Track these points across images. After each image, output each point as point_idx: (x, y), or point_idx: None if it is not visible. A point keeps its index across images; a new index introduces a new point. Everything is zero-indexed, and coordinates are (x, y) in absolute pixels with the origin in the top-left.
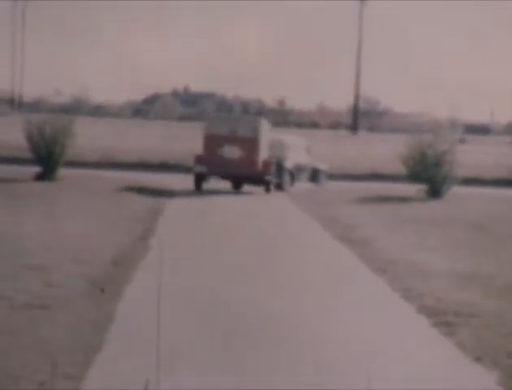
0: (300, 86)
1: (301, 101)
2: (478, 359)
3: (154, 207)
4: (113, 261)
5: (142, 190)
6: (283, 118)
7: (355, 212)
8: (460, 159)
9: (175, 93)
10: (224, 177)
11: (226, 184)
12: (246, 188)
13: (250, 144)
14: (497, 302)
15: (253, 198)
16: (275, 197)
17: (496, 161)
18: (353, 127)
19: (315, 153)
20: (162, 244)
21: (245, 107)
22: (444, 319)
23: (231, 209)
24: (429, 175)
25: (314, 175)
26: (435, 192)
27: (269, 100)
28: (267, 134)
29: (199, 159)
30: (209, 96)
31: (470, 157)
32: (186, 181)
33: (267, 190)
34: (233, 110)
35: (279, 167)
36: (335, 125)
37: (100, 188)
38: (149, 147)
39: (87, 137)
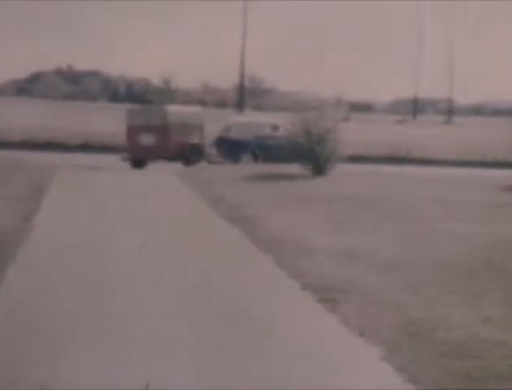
0: (185, 65)
1: (186, 80)
2: (361, 334)
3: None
4: None
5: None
6: (169, 96)
7: (242, 190)
8: (344, 137)
9: (58, 72)
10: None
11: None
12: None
13: (161, 131)
14: (380, 278)
15: (145, 177)
16: (169, 174)
17: (380, 139)
18: (239, 106)
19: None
20: None
21: (130, 86)
22: (328, 296)
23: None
24: (313, 152)
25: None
26: (319, 169)
27: (155, 79)
28: (184, 119)
29: (126, 147)
30: (93, 74)
31: (355, 135)
32: (71, 159)
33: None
34: (118, 90)
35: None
36: (221, 104)
37: None
38: (31, 126)
39: None
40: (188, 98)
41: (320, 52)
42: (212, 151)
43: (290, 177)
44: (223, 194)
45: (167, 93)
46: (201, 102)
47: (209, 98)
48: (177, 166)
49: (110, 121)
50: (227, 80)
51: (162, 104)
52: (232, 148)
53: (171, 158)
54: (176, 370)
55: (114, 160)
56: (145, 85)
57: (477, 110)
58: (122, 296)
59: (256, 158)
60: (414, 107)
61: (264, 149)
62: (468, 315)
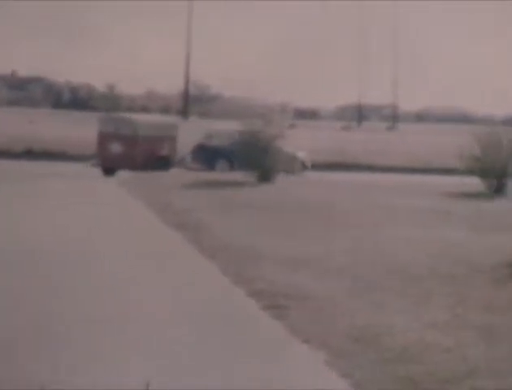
0: (130, 71)
1: (131, 86)
2: (306, 341)
3: None
4: None
5: None
6: (113, 103)
7: (189, 197)
8: (291, 144)
9: (1, 78)
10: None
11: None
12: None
13: (129, 141)
14: (327, 285)
15: (92, 184)
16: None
17: (326, 145)
18: (184, 113)
19: None
20: None
21: (75, 92)
22: (273, 302)
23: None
24: (259, 160)
25: None
26: (265, 177)
27: (99, 85)
28: (154, 130)
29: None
30: (37, 80)
31: (301, 142)
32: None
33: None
34: (62, 95)
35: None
36: (165, 110)
37: None
38: None
39: None
40: (132, 105)
41: (268, 58)
42: (188, 158)
43: (238, 184)
44: (171, 201)
45: (112, 100)
46: (145, 109)
47: (153, 105)
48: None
49: (54, 128)
50: (172, 87)
51: (109, 110)
52: (207, 155)
53: (138, 168)
54: None
55: (64, 167)
56: (89, 91)
57: (420, 117)
58: None
59: (232, 165)
60: (359, 114)
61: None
62: (413, 320)
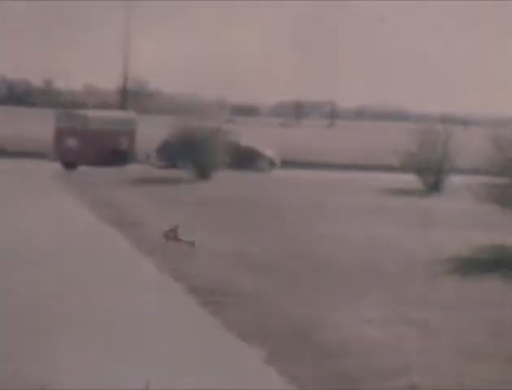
0: (68, 66)
1: (69, 81)
2: (243, 337)
3: None
4: None
5: None
6: (51, 98)
7: (126, 194)
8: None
9: None
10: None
11: None
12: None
13: (82, 136)
14: (263, 280)
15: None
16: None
17: (265, 142)
18: (122, 108)
19: None
20: None
21: (11, 87)
22: (211, 298)
23: None
24: (197, 156)
25: None
26: (204, 173)
27: (36, 80)
28: (109, 125)
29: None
30: None
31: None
32: None
33: None
34: None
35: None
36: (103, 106)
37: None
38: None
39: None
40: (69, 100)
41: (206, 54)
42: (153, 155)
43: (176, 181)
44: (109, 198)
45: (49, 95)
46: (83, 104)
47: (91, 100)
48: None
49: None
50: (110, 82)
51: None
52: (172, 152)
53: (93, 162)
54: None
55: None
56: (25, 86)
57: (359, 114)
58: None
59: None
60: (298, 110)
61: None
62: (349, 316)
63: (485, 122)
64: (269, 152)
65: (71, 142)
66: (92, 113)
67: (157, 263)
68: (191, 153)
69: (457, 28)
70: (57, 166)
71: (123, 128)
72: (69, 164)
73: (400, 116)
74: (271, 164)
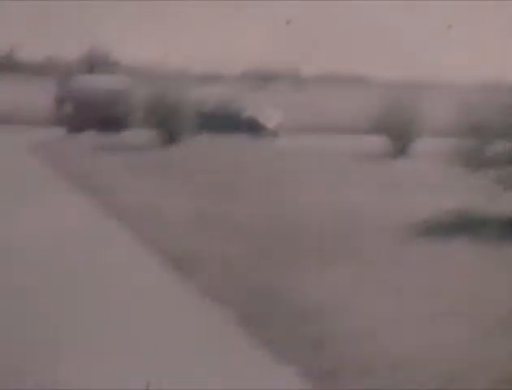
0: (29, 37)
1: (30, 52)
2: (215, 300)
3: None
4: None
5: None
6: (12, 69)
7: (93, 162)
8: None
9: None
10: None
11: None
12: None
13: (76, 101)
14: (235, 246)
15: None
16: None
17: None
18: None
19: None
20: None
21: None
22: (183, 263)
23: None
24: (166, 122)
25: None
26: (172, 138)
27: None
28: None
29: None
30: None
31: None
32: None
33: None
34: None
35: None
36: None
37: None
38: None
39: None
40: (32, 70)
41: (167, 23)
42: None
43: (145, 146)
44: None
45: (10, 66)
46: (46, 75)
47: (54, 71)
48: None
49: None
50: (72, 53)
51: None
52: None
53: (89, 128)
54: None
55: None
56: None
57: (326, 80)
58: None
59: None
60: (264, 77)
61: None
62: (323, 280)
63: (453, 86)
64: (271, 123)
65: (68, 108)
66: (87, 79)
67: (129, 229)
68: (157, 118)
69: None
70: (31, 134)
71: (117, 94)
72: (72, 129)
73: (365, 82)
74: (273, 133)
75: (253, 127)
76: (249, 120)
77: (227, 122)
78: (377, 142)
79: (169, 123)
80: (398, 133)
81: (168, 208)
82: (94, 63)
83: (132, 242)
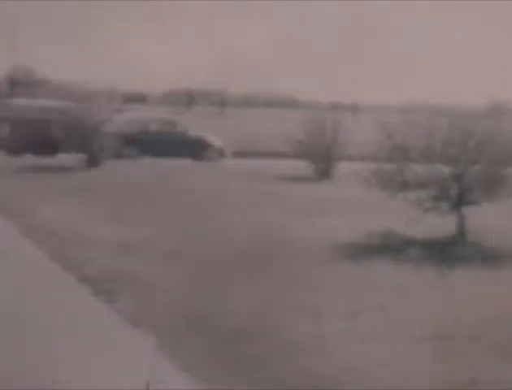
0: None
1: None
2: (136, 324)
3: None
4: None
5: None
6: None
7: (13, 183)
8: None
9: None
10: None
11: None
12: None
13: (12, 123)
14: (157, 269)
15: None
16: None
17: None
18: (9, 96)
19: None
20: None
21: None
22: (104, 287)
23: None
24: (86, 144)
25: None
26: (93, 161)
27: None
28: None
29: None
30: None
31: None
32: None
33: None
34: None
35: None
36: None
37: None
38: None
39: None
40: None
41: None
42: None
43: (66, 169)
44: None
45: None
46: None
47: None
48: None
49: None
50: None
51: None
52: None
53: (25, 151)
54: None
55: None
56: None
57: (249, 102)
58: None
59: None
60: (188, 98)
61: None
62: (245, 303)
63: (374, 109)
64: (217, 141)
65: (4, 130)
66: (23, 102)
67: (47, 252)
68: (78, 141)
69: (345, 21)
70: None
71: (55, 118)
72: (10, 152)
73: (289, 104)
74: (220, 154)
75: (202, 146)
76: (198, 139)
77: (173, 142)
78: (300, 165)
79: (88, 146)
80: (320, 157)
81: (89, 232)
82: (16, 82)
83: (49, 263)
